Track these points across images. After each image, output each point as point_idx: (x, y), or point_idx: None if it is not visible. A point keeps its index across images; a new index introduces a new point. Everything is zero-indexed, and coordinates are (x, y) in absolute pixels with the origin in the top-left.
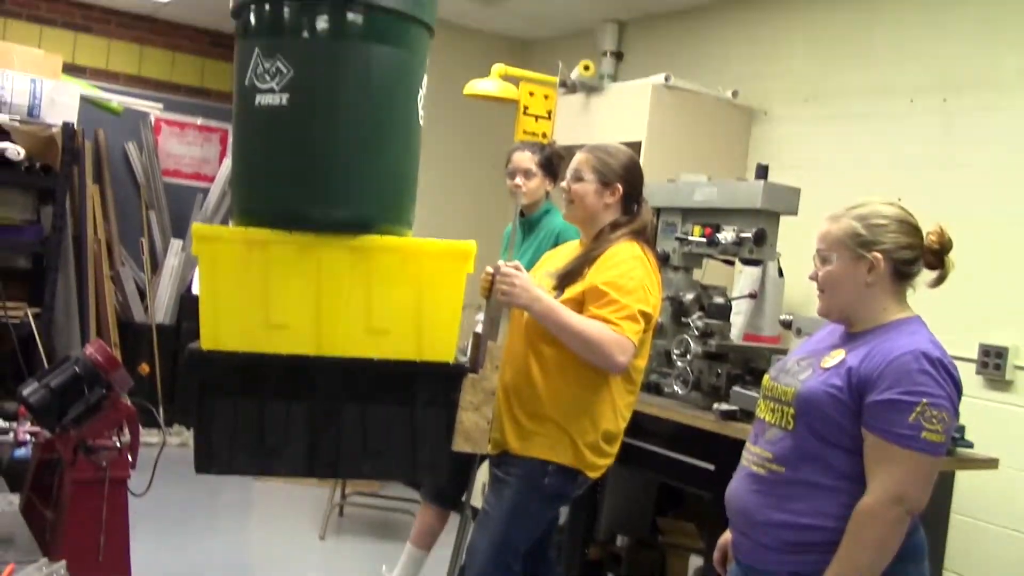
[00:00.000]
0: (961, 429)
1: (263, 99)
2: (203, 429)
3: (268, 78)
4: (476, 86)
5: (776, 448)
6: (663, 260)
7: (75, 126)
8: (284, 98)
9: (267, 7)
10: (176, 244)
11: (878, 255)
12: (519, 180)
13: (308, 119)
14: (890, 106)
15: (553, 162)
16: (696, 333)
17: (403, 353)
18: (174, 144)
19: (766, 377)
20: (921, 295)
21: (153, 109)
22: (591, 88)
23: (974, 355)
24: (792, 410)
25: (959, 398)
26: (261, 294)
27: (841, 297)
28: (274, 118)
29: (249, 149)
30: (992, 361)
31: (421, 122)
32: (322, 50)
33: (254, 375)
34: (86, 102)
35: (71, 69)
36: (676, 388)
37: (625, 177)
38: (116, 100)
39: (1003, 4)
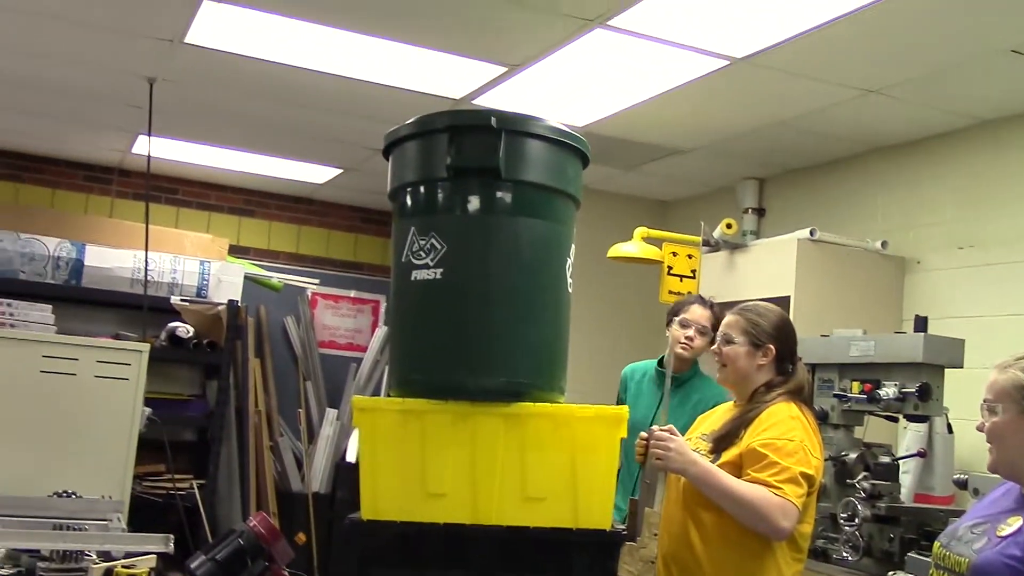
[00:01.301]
0: None
1: (419, 274)
2: None
3: (423, 254)
4: (620, 249)
5: None
6: (822, 419)
7: (239, 303)
8: (439, 272)
9: (422, 189)
10: (331, 413)
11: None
12: (692, 334)
13: (461, 292)
14: None
15: (717, 327)
16: (863, 495)
17: (559, 520)
18: (329, 316)
19: (936, 544)
20: None
21: (310, 284)
22: (735, 245)
23: None
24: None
25: None
26: (419, 463)
27: (1010, 452)
28: (429, 291)
29: (406, 322)
30: None
31: (570, 290)
32: (473, 226)
33: (412, 544)
34: (249, 281)
35: (236, 250)
36: (845, 554)
37: (777, 336)
38: (276, 277)
39: None
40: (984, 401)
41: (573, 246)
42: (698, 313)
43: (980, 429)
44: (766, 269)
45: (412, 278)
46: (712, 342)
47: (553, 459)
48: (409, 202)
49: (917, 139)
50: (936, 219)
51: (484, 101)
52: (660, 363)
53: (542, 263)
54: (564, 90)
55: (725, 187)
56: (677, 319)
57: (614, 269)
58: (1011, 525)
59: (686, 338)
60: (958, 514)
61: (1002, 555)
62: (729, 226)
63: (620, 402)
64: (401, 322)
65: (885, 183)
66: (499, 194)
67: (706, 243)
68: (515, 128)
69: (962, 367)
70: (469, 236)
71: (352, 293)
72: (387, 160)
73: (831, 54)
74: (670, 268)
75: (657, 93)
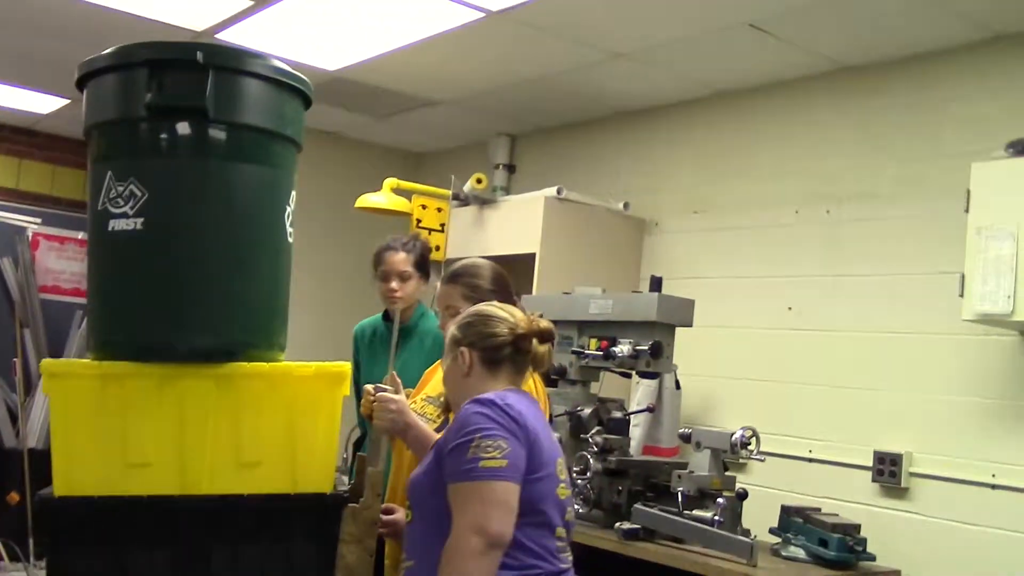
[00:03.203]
0: (863, 541)
1: (117, 224)
2: None
3: (122, 202)
4: (368, 199)
5: (407, 541)
6: (559, 374)
7: None
8: (139, 223)
9: (119, 128)
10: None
11: (464, 349)
12: (395, 284)
13: (165, 244)
14: (776, 217)
15: (426, 260)
16: (595, 449)
17: (276, 486)
18: (53, 259)
19: None
20: (815, 404)
21: (31, 223)
22: (484, 201)
23: (869, 463)
24: (408, 501)
25: (524, 431)
26: (119, 432)
27: (448, 389)
28: (129, 244)
29: (104, 277)
30: (888, 468)
31: (291, 240)
32: (179, 171)
33: (112, 521)
34: None
35: None
36: (576, 506)
37: (497, 290)
38: None
39: (882, 116)
40: None
41: (294, 193)
42: (393, 260)
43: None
44: (514, 225)
45: (110, 228)
46: (423, 279)
47: (270, 422)
48: (105, 143)
49: (659, 105)
50: (674, 183)
51: (228, 36)
52: (385, 316)
53: (257, 212)
54: (314, 31)
55: (478, 142)
56: (378, 272)
57: (363, 221)
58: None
59: (389, 290)
60: (682, 466)
61: (422, 470)
62: (479, 181)
63: (356, 365)
64: (99, 277)
65: (628, 146)
66: (208, 136)
67: (456, 197)
68: (226, 64)
69: (692, 326)
70: (173, 182)
71: (80, 235)
72: (81, 93)
73: (582, 15)
74: (419, 221)
75: (411, 41)
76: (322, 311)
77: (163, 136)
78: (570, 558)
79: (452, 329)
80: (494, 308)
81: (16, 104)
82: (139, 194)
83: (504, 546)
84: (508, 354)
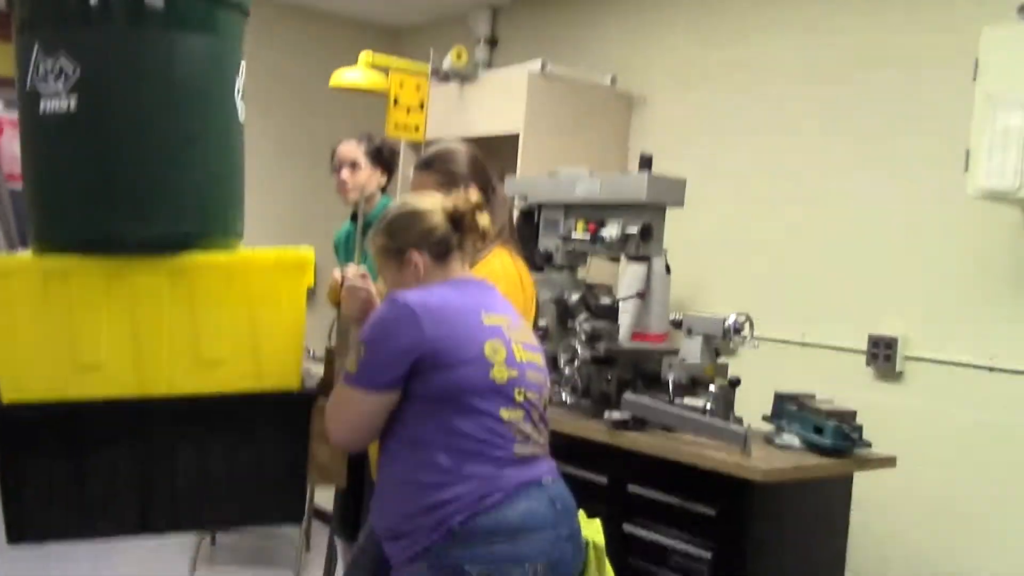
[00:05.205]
0: (858, 428)
1: (49, 104)
2: (12, 494)
3: (52, 79)
4: (343, 76)
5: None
6: (546, 259)
7: None
8: (72, 102)
9: None
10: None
11: (413, 253)
12: (344, 174)
13: (102, 125)
14: (773, 88)
15: (383, 153)
16: (583, 337)
17: (240, 384)
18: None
19: None
20: (809, 286)
21: None
22: (465, 77)
23: (864, 347)
24: None
25: (416, 328)
26: (67, 331)
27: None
28: (64, 126)
29: (38, 164)
30: (882, 352)
31: (242, 116)
32: (113, 43)
33: (68, 426)
34: None
35: None
36: (565, 396)
37: (473, 174)
38: None
39: None
40: None
41: (243, 64)
42: (343, 150)
43: None
44: (496, 102)
45: (41, 110)
46: (380, 170)
47: (229, 315)
48: (29, 9)
49: None
50: (663, 55)
51: None
52: (353, 217)
53: (203, 86)
54: None
55: (458, 15)
56: (332, 165)
57: (340, 99)
58: None
59: (340, 180)
60: (673, 352)
61: None
62: (459, 56)
63: None
64: (33, 165)
65: (616, 16)
66: (143, 2)
67: (435, 73)
68: None
69: (683, 207)
70: (109, 56)
71: (13, 116)
72: None
73: None
74: (397, 99)
75: None
76: (298, 195)
77: (92, 2)
78: (539, 440)
79: (381, 237)
80: (417, 200)
81: None
82: (70, 69)
83: (343, 449)
84: (455, 241)
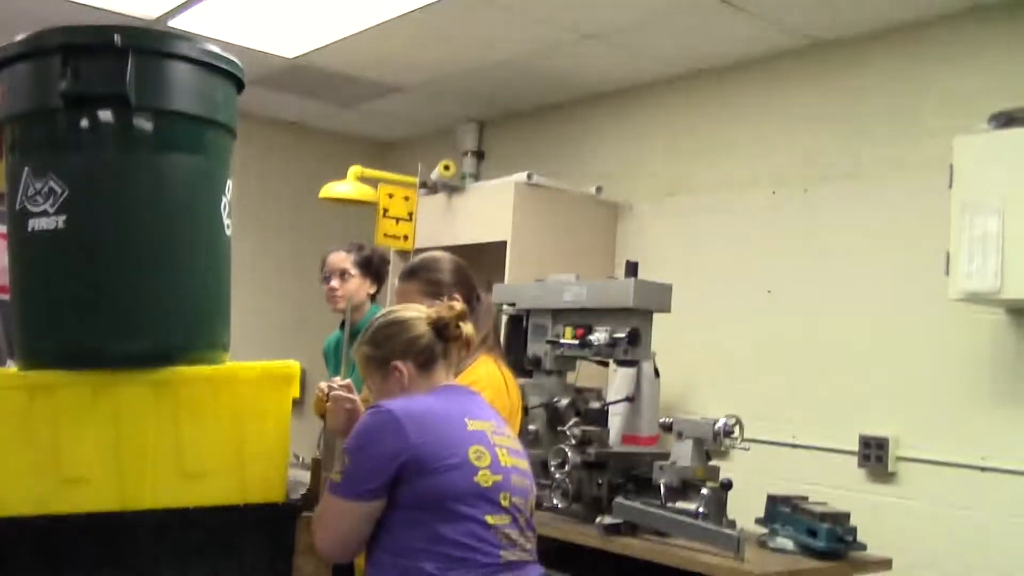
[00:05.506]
0: (852, 530)
1: (37, 223)
2: None
3: (41, 200)
4: (332, 189)
5: None
6: (535, 364)
7: None
8: (61, 221)
9: (34, 120)
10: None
11: (397, 363)
12: (334, 283)
13: (90, 242)
14: (753, 198)
15: (373, 262)
16: (574, 442)
17: (225, 496)
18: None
19: None
20: (798, 388)
21: None
22: (452, 188)
23: (855, 447)
24: None
25: (400, 435)
26: (51, 445)
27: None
28: (52, 243)
29: (27, 280)
30: (874, 453)
31: (229, 231)
32: (101, 165)
33: (49, 541)
34: None
35: None
36: (556, 501)
37: (458, 283)
38: None
39: (860, 93)
40: None
41: (230, 182)
42: (332, 260)
43: None
44: (484, 212)
45: (29, 228)
46: (369, 280)
47: (214, 428)
48: (21, 136)
49: (630, 86)
50: (647, 166)
51: (181, 23)
52: (343, 325)
53: (190, 205)
54: (272, 16)
55: (445, 129)
56: (322, 275)
57: (329, 213)
58: None
59: (329, 289)
60: (664, 456)
61: None
62: (447, 168)
63: None
64: (22, 281)
65: (600, 129)
66: (132, 125)
67: (424, 185)
68: (149, 47)
69: (669, 311)
70: (96, 177)
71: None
72: None
73: None
74: (386, 210)
75: (372, 24)
76: (289, 306)
77: (82, 127)
78: (527, 546)
79: (365, 347)
80: (400, 311)
81: None
82: (59, 191)
83: (329, 560)
84: (440, 350)
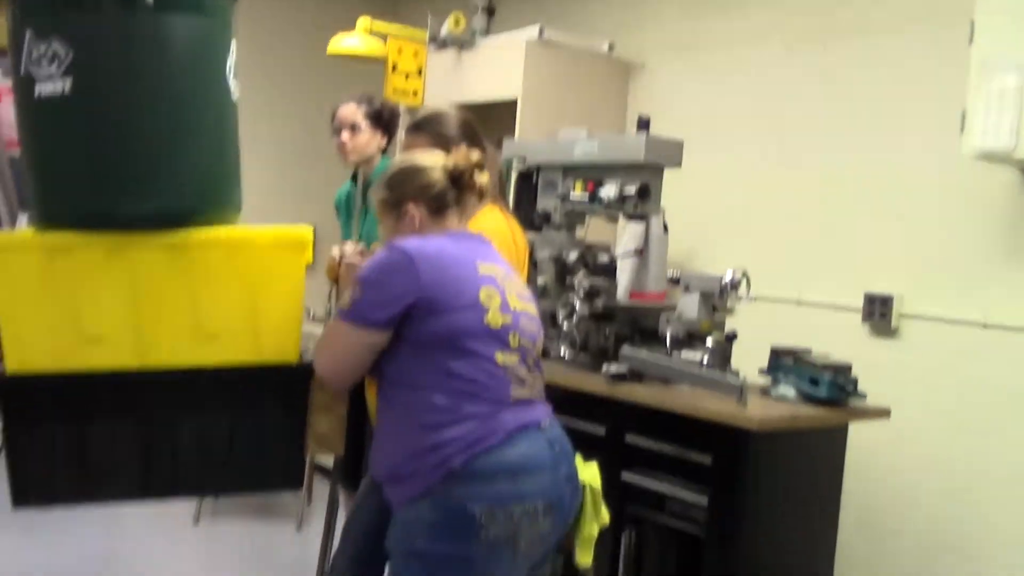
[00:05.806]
0: (853, 381)
1: (44, 88)
2: (17, 461)
3: (46, 63)
4: (341, 43)
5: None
6: (545, 219)
7: None
8: (66, 85)
9: None
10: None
11: (410, 206)
12: (344, 136)
13: (97, 106)
14: (767, 55)
15: (383, 115)
16: (581, 294)
17: (240, 357)
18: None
19: None
20: (805, 246)
21: None
22: (462, 43)
23: (859, 304)
24: None
25: (412, 273)
26: (70, 305)
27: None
28: (60, 108)
29: (36, 146)
30: (878, 310)
31: (235, 93)
32: (105, 26)
33: (71, 396)
34: None
35: None
36: (563, 351)
37: (464, 134)
38: None
39: None
40: None
41: (234, 42)
42: (342, 113)
43: None
44: (494, 69)
45: (36, 94)
46: (380, 132)
47: (229, 291)
48: None
49: None
50: (660, 21)
51: None
52: (354, 177)
53: (194, 67)
54: None
55: None
56: (332, 128)
57: (337, 68)
58: None
59: (339, 143)
60: (670, 309)
61: None
62: (457, 22)
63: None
64: (31, 146)
65: None
66: None
67: (433, 39)
68: None
69: (680, 167)
70: (101, 39)
71: (8, 83)
72: None
73: None
74: (395, 65)
75: None
76: (298, 163)
77: None
78: (536, 385)
79: (381, 190)
80: (419, 156)
81: None
82: (63, 53)
83: (328, 384)
84: (452, 197)
